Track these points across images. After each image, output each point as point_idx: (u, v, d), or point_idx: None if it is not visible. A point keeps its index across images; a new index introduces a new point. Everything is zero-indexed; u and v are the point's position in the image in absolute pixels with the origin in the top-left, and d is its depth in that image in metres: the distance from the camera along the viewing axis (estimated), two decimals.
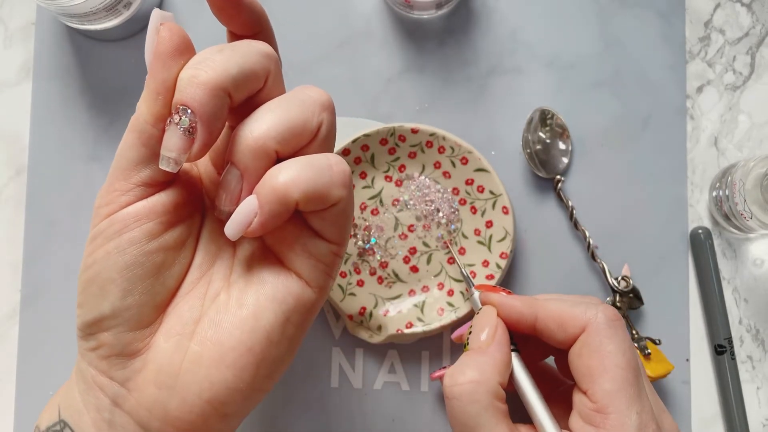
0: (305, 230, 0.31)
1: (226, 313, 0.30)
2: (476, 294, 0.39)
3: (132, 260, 0.30)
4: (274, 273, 0.31)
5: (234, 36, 0.32)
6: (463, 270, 0.45)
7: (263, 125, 0.29)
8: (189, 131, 0.28)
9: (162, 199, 0.30)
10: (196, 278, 0.32)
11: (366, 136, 0.48)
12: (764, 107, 0.52)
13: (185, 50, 0.29)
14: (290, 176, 0.28)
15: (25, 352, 0.50)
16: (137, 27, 0.51)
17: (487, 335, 0.35)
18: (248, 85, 0.29)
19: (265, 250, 0.32)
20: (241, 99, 0.30)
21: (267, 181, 0.29)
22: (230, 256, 0.32)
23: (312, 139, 0.30)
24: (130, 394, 0.30)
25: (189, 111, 0.28)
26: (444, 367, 0.47)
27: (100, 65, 0.51)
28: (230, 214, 0.29)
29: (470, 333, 0.36)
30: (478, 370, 0.33)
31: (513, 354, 0.36)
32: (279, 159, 0.30)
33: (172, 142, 0.28)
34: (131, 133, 0.30)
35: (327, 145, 0.31)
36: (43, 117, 0.51)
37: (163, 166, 0.29)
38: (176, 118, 0.28)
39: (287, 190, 0.28)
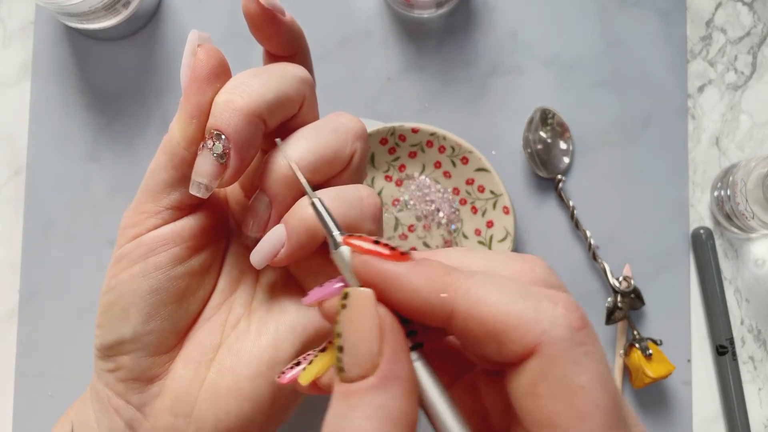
0: (331, 261, 0.30)
1: (246, 341, 0.30)
2: (345, 253, 0.22)
3: (157, 285, 0.29)
4: (296, 302, 0.30)
5: (270, 56, 0.32)
6: (312, 197, 0.25)
7: (295, 153, 0.28)
8: (222, 157, 0.27)
9: (189, 223, 0.30)
10: (218, 303, 0.31)
11: None
12: (766, 107, 0.52)
13: (222, 73, 0.29)
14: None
15: (24, 352, 0.49)
16: (136, 26, 0.51)
17: (371, 353, 0.20)
18: (283, 111, 0.29)
19: (288, 278, 0.31)
20: (275, 125, 0.29)
21: (296, 211, 0.28)
22: (253, 282, 0.32)
23: (344, 168, 0.29)
24: (146, 419, 0.30)
25: (223, 137, 0.27)
26: (297, 364, 0.26)
27: (98, 64, 0.51)
28: (257, 240, 0.29)
29: (339, 348, 0.21)
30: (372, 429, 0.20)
31: (415, 360, 0.22)
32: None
33: (204, 167, 0.28)
34: (163, 154, 0.29)
35: (358, 175, 0.30)
36: (41, 116, 0.51)
37: (194, 191, 0.28)
38: (209, 143, 0.27)
39: (317, 222, 0.27)
